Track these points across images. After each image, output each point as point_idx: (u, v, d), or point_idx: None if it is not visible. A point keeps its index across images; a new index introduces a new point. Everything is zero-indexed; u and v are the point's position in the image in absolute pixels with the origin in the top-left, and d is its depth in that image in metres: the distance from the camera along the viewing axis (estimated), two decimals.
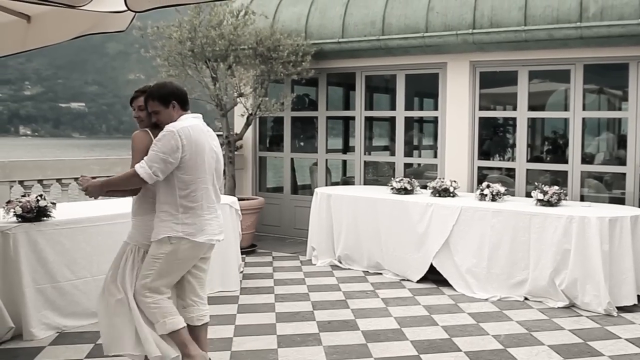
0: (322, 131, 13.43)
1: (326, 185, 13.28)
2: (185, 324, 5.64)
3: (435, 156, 12.43)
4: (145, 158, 5.40)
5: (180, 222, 5.49)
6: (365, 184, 12.94)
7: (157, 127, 5.66)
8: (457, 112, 11.63)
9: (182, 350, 5.62)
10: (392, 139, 13.01)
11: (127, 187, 5.61)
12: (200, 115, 5.80)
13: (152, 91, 5.67)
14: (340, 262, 10.96)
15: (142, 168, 5.36)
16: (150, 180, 5.38)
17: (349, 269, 10.77)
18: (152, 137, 5.57)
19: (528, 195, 10.31)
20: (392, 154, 13.01)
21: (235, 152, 12.70)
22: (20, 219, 7.19)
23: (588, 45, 10.30)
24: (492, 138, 13.67)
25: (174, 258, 5.53)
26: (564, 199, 9.29)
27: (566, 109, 11.08)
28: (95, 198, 5.87)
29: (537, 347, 7.06)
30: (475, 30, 10.91)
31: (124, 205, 7.33)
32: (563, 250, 8.56)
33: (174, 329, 5.55)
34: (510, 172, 11.71)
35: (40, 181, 10.71)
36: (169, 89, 5.69)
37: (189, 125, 5.53)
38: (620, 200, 10.43)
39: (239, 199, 10.46)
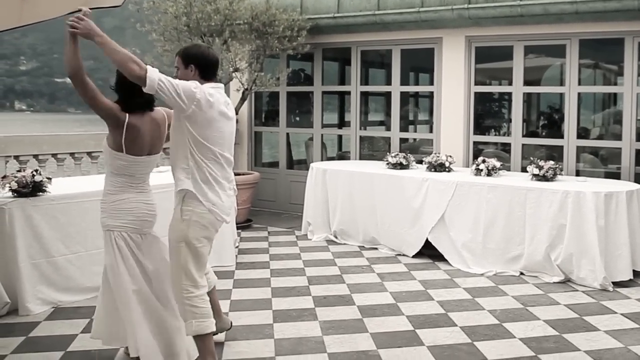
0: (318, 106, 13.40)
1: (322, 160, 13.26)
2: (214, 329, 5.41)
3: (431, 131, 12.41)
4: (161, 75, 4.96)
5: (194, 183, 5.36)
6: (360, 159, 12.93)
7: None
8: (453, 87, 11.59)
9: (201, 357, 5.39)
10: (388, 113, 12.98)
11: (122, 65, 4.91)
12: (222, 85, 5.53)
13: (182, 48, 5.56)
14: (336, 237, 10.97)
15: (152, 73, 4.87)
16: (150, 85, 4.85)
17: (345, 244, 10.77)
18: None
19: (524, 170, 10.30)
20: (388, 129, 13.00)
21: None
22: (15, 194, 7.18)
23: (583, 20, 10.25)
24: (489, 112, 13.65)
25: (197, 225, 5.37)
26: (559, 174, 9.29)
27: (562, 83, 11.06)
28: (79, 34, 5.02)
29: (532, 322, 7.08)
30: (470, 5, 10.87)
31: None
32: (558, 225, 8.57)
33: (200, 332, 5.29)
34: (506, 147, 11.69)
35: (35, 156, 10.70)
36: (192, 52, 5.44)
37: (208, 92, 5.19)
38: (616, 175, 10.42)
39: (235, 174, 10.43)
